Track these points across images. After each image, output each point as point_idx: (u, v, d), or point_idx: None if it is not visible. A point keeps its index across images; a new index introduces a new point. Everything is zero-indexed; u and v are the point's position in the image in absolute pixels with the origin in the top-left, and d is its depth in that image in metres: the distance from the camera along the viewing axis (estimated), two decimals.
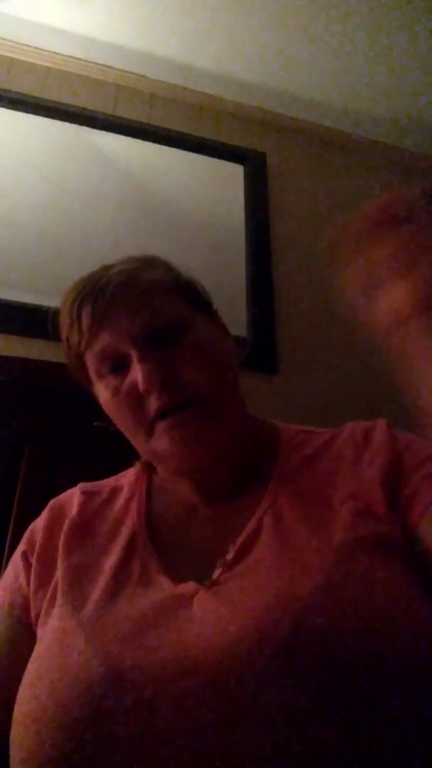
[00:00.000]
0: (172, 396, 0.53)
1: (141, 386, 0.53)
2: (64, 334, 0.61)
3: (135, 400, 0.55)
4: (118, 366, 0.56)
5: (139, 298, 0.56)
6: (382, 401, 1.47)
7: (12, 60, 1.62)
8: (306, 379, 1.45)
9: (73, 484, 0.71)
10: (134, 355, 0.54)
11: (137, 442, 0.58)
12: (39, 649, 0.51)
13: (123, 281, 0.57)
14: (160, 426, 0.54)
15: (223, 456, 0.58)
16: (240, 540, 0.52)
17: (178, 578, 0.51)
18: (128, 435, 0.58)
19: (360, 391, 1.49)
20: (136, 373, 0.53)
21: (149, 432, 0.55)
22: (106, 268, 0.60)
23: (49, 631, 0.51)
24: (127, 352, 0.55)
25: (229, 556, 0.50)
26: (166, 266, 0.64)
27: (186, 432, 0.54)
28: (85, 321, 0.56)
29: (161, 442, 0.55)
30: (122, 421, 0.57)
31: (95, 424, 0.60)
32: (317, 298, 1.60)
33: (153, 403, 0.54)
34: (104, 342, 0.56)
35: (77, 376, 0.63)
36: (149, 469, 0.67)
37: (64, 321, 0.60)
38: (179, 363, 0.54)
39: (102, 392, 0.58)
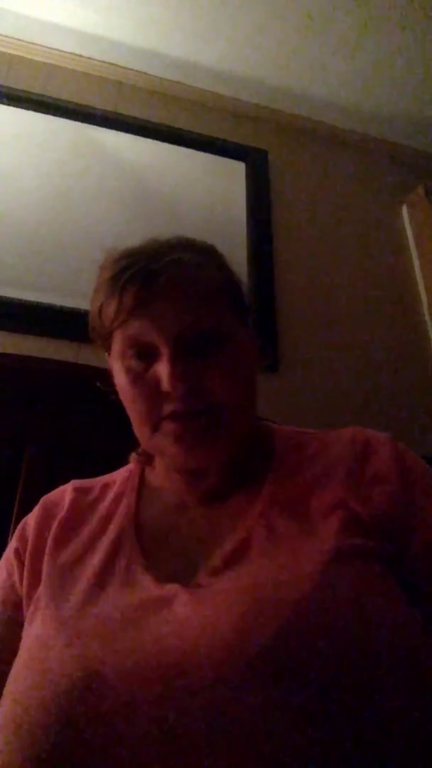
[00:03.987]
0: (190, 404, 0.52)
1: (164, 386, 0.52)
2: (98, 301, 0.58)
3: (153, 393, 0.54)
4: (144, 353, 0.55)
5: (189, 297, 0.54)
6: (380, 400, 1.47)
7: (13, 57, 1.61)
8: (306, 377, 1.45)
9: None
10: (166, 352, 0.53)
11: (141, 432, 0.57)
12: (22, 651, 0.50)
13: (177, 275, 0.54)
14: (168, 426, 0.54)
15: (221, 460, 0.58)
16: (229, 546, 0.51)
17: (161, 578, 0.50)
18: (134, 422, 0.58)
19: (359, 389, 1.49)
20: (163, 372, 0.52)
21: (155, 427, 0.55)
22: (159, 252, 0.56)
23: (33, 631, 0.51)
24: (159, 346, 0.53)
25: (217, 562, 0.50)
26: (221, 261, 0.62)
27: (192, 440, 0.53)
28: (127, 301, 0.54)
29: (166, 441, 0.54)
30: (132, 408, 0.57)
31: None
32: (318, 296, 1.60)
33: (169, 404, 0.53)
34: (140, 329, 0.54)
35: (97, 340, 0.62)
36: (143, 465, 0.66)
37: (103, 289, 0.57)
38: (209, 373, 0.53)
39: (120, 373, 0.57)
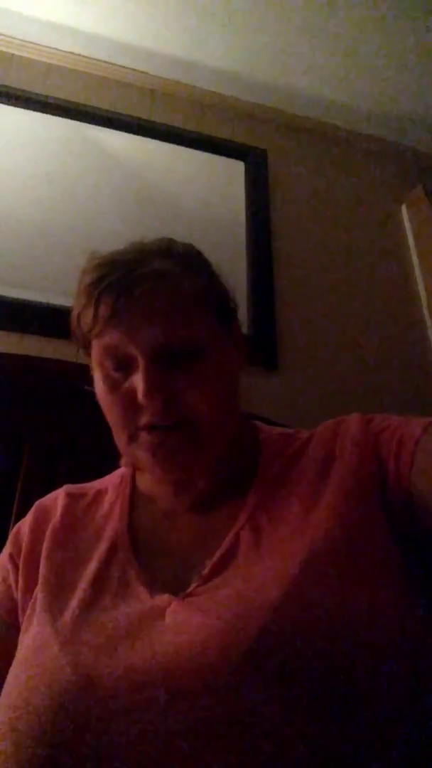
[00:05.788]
0: (166, 416, 0.52)
1: (139, 398, 0.52)
2: (77, 307, 0.57)
3: (129, 404, 0.54)
4: (122, 364, 0.55)
5: (166, 309, 0.53)
6: (380, 400, 1.47)
7: (12, 56, 1.61)
8: (306, 376, 1.45)
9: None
10: (142, 364, 0.52)
11: (118, 440, 0.57)
12: (18, 656, 0.51)
13: (153, 286, 0.53)
14: (145, 437, 0.54)
15: (204, 471, 0.58)
16: (217, 554, 0.51)
17: (155, 587, 0.51)
18: (113, 430, 0.58)
19: (359, 389, 1.49)
20: (138, 384, 0.52)
21: (132, 437, 0.55)
22: (138, 261, 0.55)
23: (28, 638, 0.51)
24: (136, 357, 0.53)
25: (206, 571, 0.50)
26: (203, 267, 0.61)
27: (168, 453, 0.53)
28: (102, 311, 0.53)
29: (141, 453, 0.54)
30: (110, 417, 0.57)
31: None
32: (318, 295, 1.60)
33: (145, 416, 0.53)
34: (115, 339, 0.54)
35: (77, 344, 0.61)
36: (134, 470, 0.66)
37: (80, 296, 0.57)
38: (185, 386, 0.53)
39: (99, 382, 0.57)
